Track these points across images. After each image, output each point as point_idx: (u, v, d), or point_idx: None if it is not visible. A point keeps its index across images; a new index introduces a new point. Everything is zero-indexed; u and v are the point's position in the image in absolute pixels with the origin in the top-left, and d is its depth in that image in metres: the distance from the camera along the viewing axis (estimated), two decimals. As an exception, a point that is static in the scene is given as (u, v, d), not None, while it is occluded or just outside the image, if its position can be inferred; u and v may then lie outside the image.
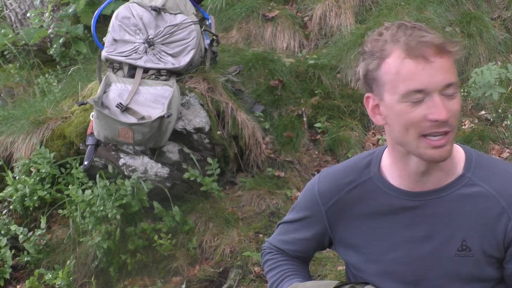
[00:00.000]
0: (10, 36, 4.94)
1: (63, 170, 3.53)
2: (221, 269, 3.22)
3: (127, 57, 3.33)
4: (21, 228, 3.40)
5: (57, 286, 3.21)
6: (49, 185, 3.48)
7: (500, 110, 3.96)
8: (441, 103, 1.40)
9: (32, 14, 4.95)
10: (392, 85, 1.43)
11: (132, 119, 3.11)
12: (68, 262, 3.28)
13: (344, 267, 1.75)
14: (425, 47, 1.40)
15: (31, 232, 3.40)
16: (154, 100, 3.19)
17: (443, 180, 1.52)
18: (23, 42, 4.88)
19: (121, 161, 3.42)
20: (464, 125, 3.99)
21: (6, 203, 3.59)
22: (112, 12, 3.53)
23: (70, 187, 3.32)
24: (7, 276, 3.32)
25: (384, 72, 1.44)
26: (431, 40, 1.41)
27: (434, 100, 1.40)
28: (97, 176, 3.31)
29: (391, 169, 1.57)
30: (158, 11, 3.35)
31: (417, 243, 1.53)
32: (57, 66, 4.74)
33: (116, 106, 3.13)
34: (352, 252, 1.64)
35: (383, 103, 1.47)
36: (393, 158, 1.55)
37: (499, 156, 3.73)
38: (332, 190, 1.63)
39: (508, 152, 3.81)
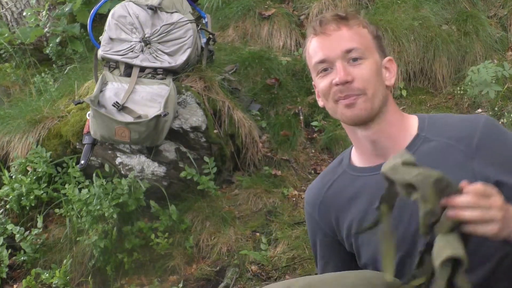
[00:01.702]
0: (6, 35, 4.93)
1: (59, 169, 3.53)
2: (218, 268, 3.22)
3: (124, 56, 3.33)
4: (18, 228, 3.39)
5: (54, 286, 3.21)
6: (45, 184, 3.47)
7: (496, 108, 3.97)
8: (341, 67, 1.54)
9: (28, 13, 4.95)
10: (309, 64, 1.64)
11: (128, 118, 3.10)
12: (65, 261, 3.27)
13: None
14: (325, 24, 1.58)
15: (28, 231, 3.40)
16: (150, 99, 3.19)
17: (399, 146, 1.57)
18: (19, 41, 4.88)
19: (118, 160, 3.42)
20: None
21: (2, 203, 3.58)
22: (109, 11, 3.52)
23: (66, 186, 3.32)
24: (4, 275, 3.32)
25: (305, 56, 1.66)
26: (326, 17, 1.59)
27: (336, 66, 1.54)
28: (94, 175, 3.30)
29: (356, 153, 1.68)
30: (154, 9, 3.35)
31: (396, 213, 1.52)
32: (54, 65, 4.73)
33: (113, 105, 3.13)
34: (354, 246, 1.67)
35: (314, 85, 1.65)
36: (352, 141, 1.68)
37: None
38: (315, 196, 1.75)
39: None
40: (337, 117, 1.61)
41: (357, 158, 1.68)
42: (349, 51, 1.55)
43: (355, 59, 1.55)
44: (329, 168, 1.78)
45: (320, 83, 1.59)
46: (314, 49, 1.59)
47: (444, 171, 1.44)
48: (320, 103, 1.67)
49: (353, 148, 1.70)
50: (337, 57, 1.55)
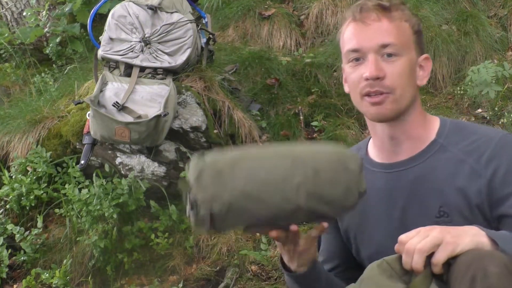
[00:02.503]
0: (6, 35, 4.93)
1: (59, 169, 3.52)
2: (218, 268, 3.22)
3: (124, 56, 3.33)
4: (18, 228, 3.39)
5: (54, 286, 3.21)
6: (45, 184, 3.47)
7: (496, 108, 3.97)
8: (374, 62, 1.49)
9: (28, 13, 4.94)
10: (342, 49, 1.59)
11: (128, 118, 3.10)
12: (64, 261, 3.27)
13: None
14: (365, 12, 1.52)
15: (28, 231, 3.40)
16: (150, 99, 3.19)
17: (416, 148, 1.55)
18: (19, 41, 4.87)
19: (118, 160, 3.41)
20: (461, 123, 3.98)
21: (2, 203, 3.58)
22: (109, 11, 3.52)
23: (66, 186, 3.31)
24: (4, 275, 3.32)
25: (339, 39, 1.60)
26: (368, 5, 1.52)
27: (369, 59, 1.49)
28: (94, 175, 3.30)
29: (373, 146, 1.64)
30: (154, 9, 3.35)
31: (398, 215, 1.54)
32: (53, 65, 4.73)
33: (113, 105, 3.12)
34: (352, 240, 1.67)
35: (343, 69, 1.60)
36: (371, 134, 1.63)
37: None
38: None
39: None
40: (359, 109, 1.57)
41: (373, 151, 1.64)
42: (385, 46, 1.49)
43: (389, 55, 1.50)
44: None
45: (351, 73, 1.55)
46: (349, 35, 1.54)
47: (451, 187, 1.47)
48: (346, 89, 1.62)
49: (371, 139, 1.66)
50: (371, 49, 1.50)
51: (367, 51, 1.50)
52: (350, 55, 1.53)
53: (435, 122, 1.59)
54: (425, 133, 1.56)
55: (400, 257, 1.30)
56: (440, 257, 1.25)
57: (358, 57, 1.51)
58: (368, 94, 1.51)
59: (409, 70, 1.51)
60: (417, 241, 1.26)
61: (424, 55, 1.57)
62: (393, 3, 1.54)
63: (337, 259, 1.75)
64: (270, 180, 1.38)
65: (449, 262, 1.26)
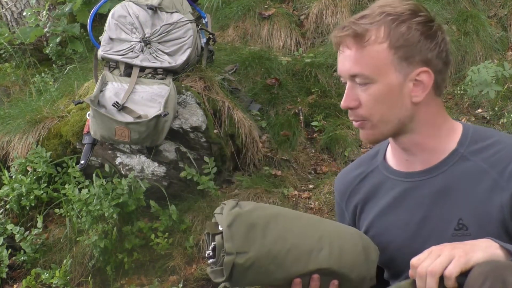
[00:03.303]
0: (6, 35, 4.93)
1: (59, 169, 3.52)
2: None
3: (124, 56, 3.33)
4: (18, 228, 3.39)
5: (54, 286, 3.21)
6: (45, 184, 3.47)
7: (496, 108, 3.97)
8: (347, 91, 1.47)
9: (28, 13, 4.94)
10: None
11: (128, 118, 3.10)
12: (64, 261, 3.27)
13: None
14: (339, 38, 1.45)
15: (28, 231, 3.40)
16: (150, 99, 3.19)
17: (434, 159, 1.50)
18: (19, 41, 4.87)
19: (118, 160, 3.41)
20: (461, 123, 3.99)
21: (2, 203, 3.58)
22: (109, 11, 3.52)
23: (66, 186, 3.31)
24: (4, 275, 3.32)
25: None
26: (342, 33, 1.45)
27: (346, 88, 1.48)
28: (94, 175, 3.30)
29: (391, 153, 1.59)
30: (154, 9, 3.35)
31: (416, 226, 1.51)
32: (53, 65, 4.73)
33: (113, 105, 3.12)
34: None
35: None
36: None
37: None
38: (346, 186, 1.68)
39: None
40: None
41: (391, 157, 1.59)
42: (353, 76, 1.45)
43: (361, 83, 1.44)
44: (364, 158, 1.69)
45: None
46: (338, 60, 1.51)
47: (471, 200, 1.43)
48: None
49: (389, 144, 1.61)
50: (346, 78, 1.47)
51: (344, 78, 1.48)
52: (341, 80, 1.52)
53: (457, 131, 1.51)
54: (443, 143, 1.50)
55: (414, 282, 1.30)
56: (452, 270, 1.23)
57: (344, 81, 1.49)
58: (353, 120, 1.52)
59: (387, 95, 1.44)
60: (428, 264, 1.25)
61: (420, 69, 1.44)
62: (369, 23, 1.43)
63: None
64: (297, 248, 1.42)
65: (460, 282, 1.25)
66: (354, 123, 1.51)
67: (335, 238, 1.46)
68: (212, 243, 1.41)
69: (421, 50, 1.44)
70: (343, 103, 1.47)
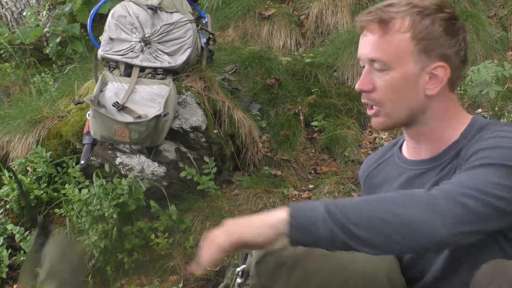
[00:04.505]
0: (6, 35, 4.93)
1: (59, 169, 3.52)
2: (218, 268, 3.21)
3: (124, 56, 3.33)
4: (18, 228, 3.39)
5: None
6: (45, 185, 3.47)
7: (496, 108, 3.97)
8: (364, 75, 1.50)
9: (28, 13, 4.94)
10: None
11: (128, 118, 3.10)
12: (64, 261, 3.27)
13: None
14: (363, 21, 1.49)
15: (28, 231, 3.40)
16: (150, 99, 3.19)
17: (437, 149, 1.53)
18: (19, 41, 4.87)
19: (118, 160, 3.41)
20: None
21: (2, 203, 3.58)
22: (109, 11, 3.52)
23: (66, 186, 3.31)
24: (4, 275, 3.32)
25: None
26: (366, 15, 1.49)
27: (364, 70, 1.51)
28: (94, 175, 3.30)
29: (406, 142, 1.64)
30: (154, 9, 3.35)
31: None
32: (53, 65, 4.73)
33: (113, 105, 3.12)
34: None
35: None
36: None
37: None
38: (364, 169, 1.76)
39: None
40: None
41: (405, 146, 1.64)
42: (372, 60, 1.48)
43: (378, 69, 1.48)
44: (386, 146, 1.77)
45: None
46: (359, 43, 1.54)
47: None
48: None
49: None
50: (365, 61, 1.51)
51: (363, 61, 1.52)
52: (360, 63, 1.55)
53: (464, 123, 1.53)
54: (449, 134, 1.52)
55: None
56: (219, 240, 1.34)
57: (362, 64, 1.53)
58: (366, 104, 1.54)
59: (400, 84, 1.47)
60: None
61: (437, 64, 1.47)
62: (395, 12, 1.47)
63: None
64: None
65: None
66: (368, 111, 1.53)
67: (360, 281, 1.47)
68: (243, 265, 1.48)
69: (442, 45, 1.47)
70: (358, 85, 1.50)
